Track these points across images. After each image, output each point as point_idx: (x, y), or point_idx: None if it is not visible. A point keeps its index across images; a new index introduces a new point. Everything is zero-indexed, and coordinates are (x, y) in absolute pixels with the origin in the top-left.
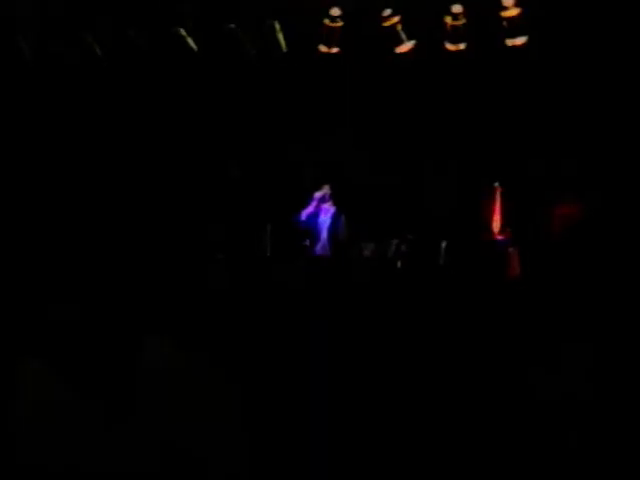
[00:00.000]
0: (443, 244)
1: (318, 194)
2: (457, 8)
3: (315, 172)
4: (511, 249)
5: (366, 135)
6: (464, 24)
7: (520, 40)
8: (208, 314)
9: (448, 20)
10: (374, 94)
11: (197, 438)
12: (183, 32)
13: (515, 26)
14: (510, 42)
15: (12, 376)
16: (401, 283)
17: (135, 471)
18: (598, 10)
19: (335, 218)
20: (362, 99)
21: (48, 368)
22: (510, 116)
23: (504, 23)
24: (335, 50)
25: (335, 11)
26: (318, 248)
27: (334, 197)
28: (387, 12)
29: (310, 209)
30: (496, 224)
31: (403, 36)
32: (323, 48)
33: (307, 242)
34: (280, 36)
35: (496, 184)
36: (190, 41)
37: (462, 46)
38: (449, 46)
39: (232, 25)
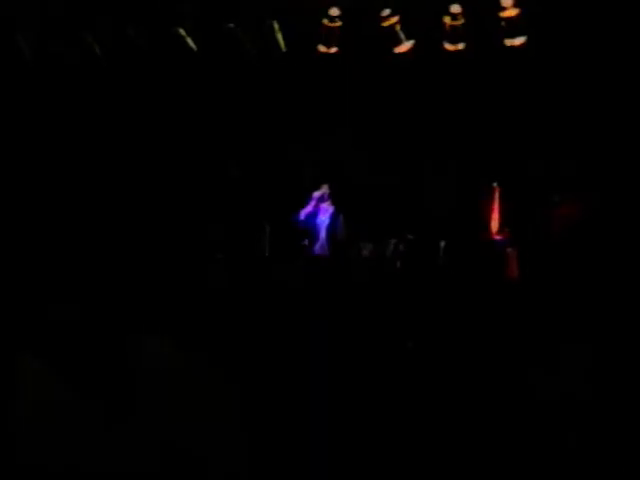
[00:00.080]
0: (442, 244)
1: (317, 194)
2: (456, 8)
3: (314, 171)
4: (509, 249)
5: (365, 135)
6: (463, 24)
7: (519, 40)
8: (207, 314)
9: (447, 20)
10: (373, 94)
11: (197, 438)
12: (183, 32)
13: (514, 26)
14: (509, 42)
15: (12, 376)
16: (399, 283)
17: (135, 471)
18: (597, 10)
19: (334, 218)
20: (361, 99)
21: (48, 368)
22: (509, 116)
23: (503, 23)
24: (334, 50)
25: (334, 11)
26: (317, 248)
27: (333, 197)
28: (386, 12)
29: (309, 209)
30: (494, 224)
31: (402, 36)
32: (322, 48)
33: (306, 242)
34: (279, 36)
35: (494, 184)
36: (190, 41)
37: (461, 46)
38: (448, 46)
39: (231, 25)
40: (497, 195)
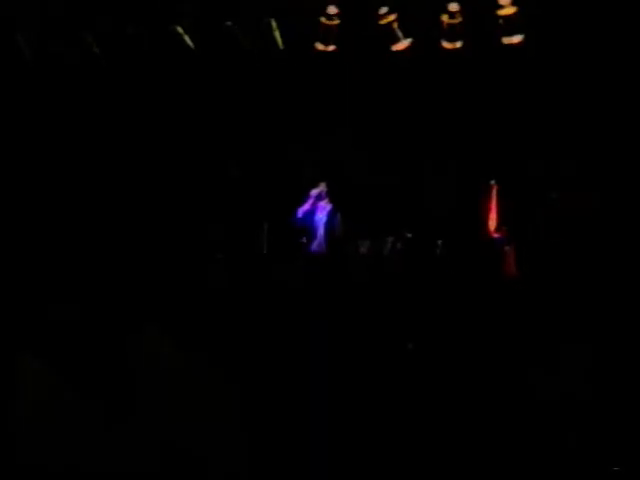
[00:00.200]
0: (439, 242)
1: (314, 192)
2: (453, 6)
3: (312, 170)
4: (507, 247)
5: (362, 133)
6: (460, 22)
7: (517, 38)
8: (207, 313)
9: (444, 18)
10: (370, 92)
11: (197, 438)
12: (181, 30)
13: (512, 24)
14: (507, 40)
15: (12, 376)
16: (397, 281)
17: (135, 471)
18: (595, 8)
19: (331, 215)
20: (358, 97)
21: (48, 368)
22: (507, 114)
23: (500, 21)
24: (332, 48)
25: (332, 9)
26: (314, 245)
27: (330, 194)
28: (383, 10)
29: (306, 207)
30: (492, 222)
31: (399, 34)
32: (320, 46)
33: (304, 240)
34: (277, 34)
35: (492, 182)
36: (188, 39)
37: (459, 44)
38: (446, 44)
39: (229, 23)
40: (495, 193)
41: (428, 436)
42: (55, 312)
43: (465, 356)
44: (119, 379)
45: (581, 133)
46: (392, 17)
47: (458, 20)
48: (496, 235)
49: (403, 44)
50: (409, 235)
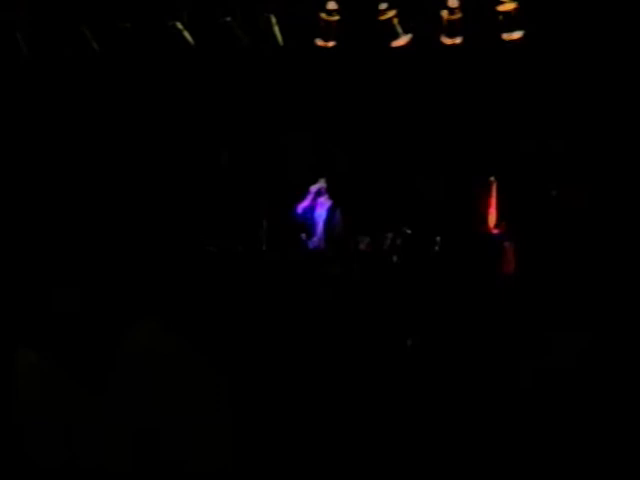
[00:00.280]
0: (439, 238)
1: (314, 188)
2: (453, 2)
3: (310, 165)
4: (507, 243)
5: (362, 128)
6: (460, 18)
7: (517, 34)
8: (203, 308)
9: (444, 14)
10: (370, 88)
11: (185, 431)
12: (180, 25)
13: (511, 20)
14: (507, 36)
15: (11, 371)
16: (396, 277)
17: (127, 464)
18: (594, 4)
19: (331, 212)
20: (358, 93)
21: (47, 361)
22: (507, 110)
23: (500, 17)
24: (331, 44)
25: (331, 5)
26: (314, 242)
27: (330, 191)
28: (383, 6)
29: (306, 203)
30: (492, 218)
31: (399, 30)
32: (319, 42)
33: (303, 236)
34: (276, 29)
35: (492, 178)
36: (187, 35)
37: (458, 40)
38: (445, 40)
39: (228, 19)
40: (494, 189)
41: (426, 432)
42: (54, 304)
43: (465, 352)
44: (107, 374)
45: (582, 130)
46: (392, 13)
47: (458, 16)
48: (495, 231)
49: (403, 40)
50: (408, 231)
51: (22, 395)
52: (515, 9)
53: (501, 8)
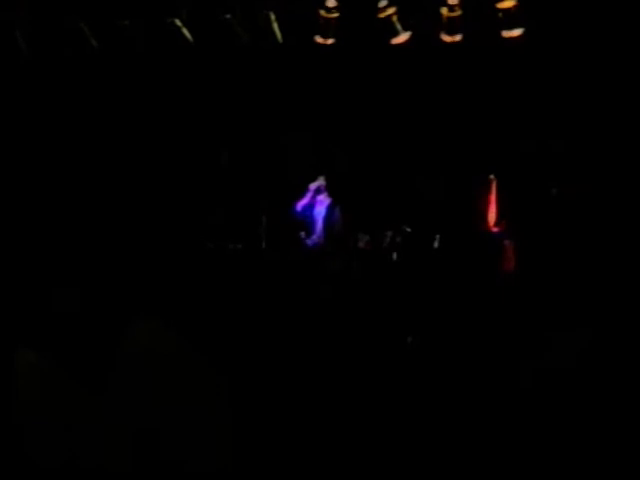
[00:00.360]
0: (438, 236)
1: (313, 185)
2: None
3: (310, 163)
4: (507, 242)
5: (362, 126)
6: (460, 16)
7: (516, 32)
8: (203, 306)
9: (444, 12)
10: (369, 85)
11: (185, 431)
12: (179, 23)
13: (511, 18)
14: (506, 34)
15: (11, 372)
16: (396, 275)
17: (127, 464)
18: (595, 2)
19: (330, 209)
20: (357, 90)
21: (48, 361)
22: (507, 108)
23: (500, 15)
24: (331, 41)
25: (331, 2)
26: (313, 239)
27: (329, 188)
28: (383, 3)
29: (305, 200)
30: (492, 216)
31: (399, 27)
32: (319, 39)
33: (302, 234)
34: (276, 27)
35: (492, 176)
36: (186, 32)
37: (458, 38)
38: (445, 37)
39: (228, 16)
40: (494, 187)
41: (424, 431)
42: (55, 304)
43: (464, 350)
44: (113, 371)
45: (582, 127)
46: (391, 10)
47: (458, 13)
48: (495, 230)
49: (402, 37)
50: (408, 229)
51: (22, 395)
52: (515, 6)
53: (501, 5)
